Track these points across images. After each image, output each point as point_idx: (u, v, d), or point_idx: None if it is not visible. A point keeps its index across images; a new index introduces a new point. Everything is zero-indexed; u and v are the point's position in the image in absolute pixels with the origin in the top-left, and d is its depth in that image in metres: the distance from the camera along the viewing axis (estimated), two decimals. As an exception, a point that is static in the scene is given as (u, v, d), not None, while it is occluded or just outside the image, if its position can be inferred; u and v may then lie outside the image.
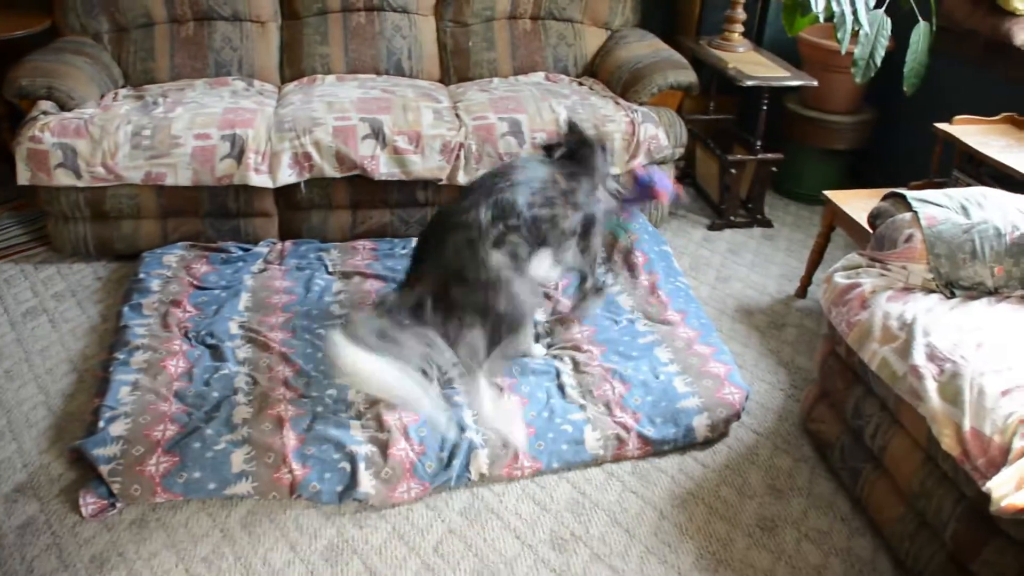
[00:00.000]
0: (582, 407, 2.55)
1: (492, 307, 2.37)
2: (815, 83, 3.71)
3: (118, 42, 3.85)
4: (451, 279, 2.36)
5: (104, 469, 2.27)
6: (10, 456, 2.47)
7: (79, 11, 3.79)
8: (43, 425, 2.59)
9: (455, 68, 4.04)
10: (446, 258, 2.38)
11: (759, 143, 3.78)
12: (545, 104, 3.52)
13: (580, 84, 3.90)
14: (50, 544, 2.18)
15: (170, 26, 3.86)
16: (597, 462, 2.48)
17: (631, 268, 3.26)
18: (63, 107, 3.34)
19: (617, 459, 2.50)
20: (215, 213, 3.39)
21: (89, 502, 2.26)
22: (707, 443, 2.59)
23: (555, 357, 2.77)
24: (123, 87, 3.76)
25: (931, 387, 1.95)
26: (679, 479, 2.47)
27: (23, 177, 3.22)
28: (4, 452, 2.48)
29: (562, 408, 2.54)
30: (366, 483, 2.28)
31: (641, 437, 2.49)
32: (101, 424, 2.42)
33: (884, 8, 3.28)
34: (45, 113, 3.28)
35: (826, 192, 3.22)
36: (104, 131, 3.21)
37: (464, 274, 2.35)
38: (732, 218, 3.90)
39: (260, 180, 3.26)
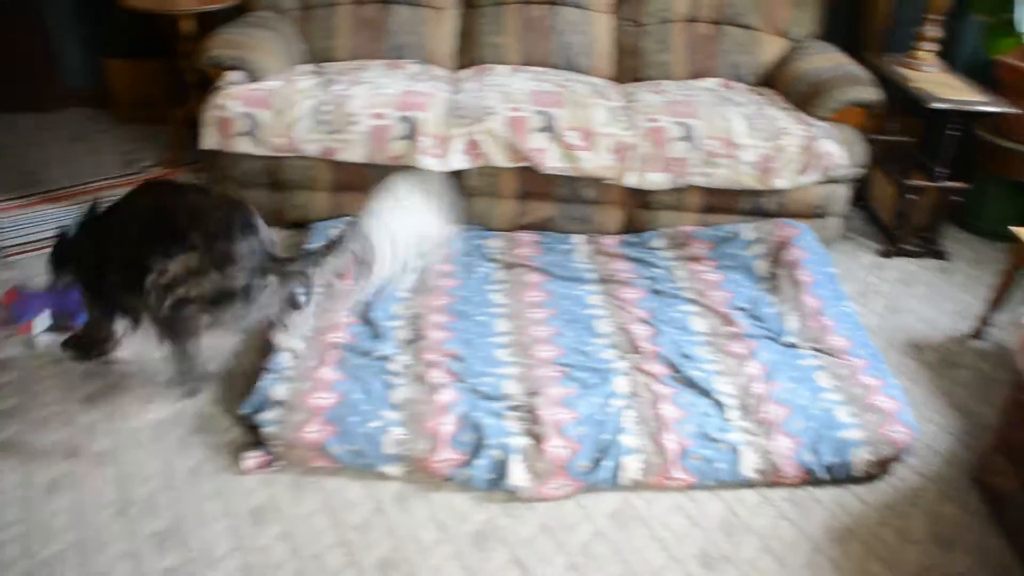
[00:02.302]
0: (741, 427, 2.47)
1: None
2: (1018, 111, 3.49)
3: (303, 19, 3.96)
4: None
5: (266, 431, 2.34)
6: (184, 404, 2.56)
7: (271, -12, 3.93)
8: (214, 377, 2.69)
9: (628, 67, 3.98)
10: None
11: (942, 170, 3.58)
12: (719, 111, 3.43)
13: (757, 93, 3.79)
14: (216, 490, 2.27)
15: (353, 6, 3.95)
16: (752, 484, 2.39)
17: (795, 285, 3.14)
18: (250, 78, 3.46)
19: (772, 484, 2.40)
20: (384, 192, 3.44)
21: (251, 457, 2.34)
22: (867, 479, 2.47)
23: (716, 373, 2.69)
24: (305, 63, 3.87)
25: None
26: (836, 513, 2.35)
27: (209, 142, 3.35)
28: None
29: (720, 426, 2.46)
30: (518, 475, 2.27)
31: (799, 464, 2.38)
32: (265, 385, 2.49)
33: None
34: (233, 83, 3.40)
35: (1014, 228, 3.02)
36: (287, 104, 3.30)
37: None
38: (905, 246, 3.72)
39: (430, 163, 3.30)
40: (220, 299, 2.34)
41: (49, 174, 4.08)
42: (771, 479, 2.38)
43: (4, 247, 3.37)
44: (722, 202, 3.48)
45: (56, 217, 3.59)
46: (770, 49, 3.97)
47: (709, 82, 3.88)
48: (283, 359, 2.60)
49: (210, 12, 4.00)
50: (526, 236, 3.46)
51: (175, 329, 2.39)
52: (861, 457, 2.41)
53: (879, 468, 2.45)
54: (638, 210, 3.51)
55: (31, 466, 2.33)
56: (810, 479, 2.41)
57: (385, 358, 2.65)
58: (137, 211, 2.46)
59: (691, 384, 2.63)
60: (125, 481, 2.29)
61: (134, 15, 4.06)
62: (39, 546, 2.09)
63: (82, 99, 4.90)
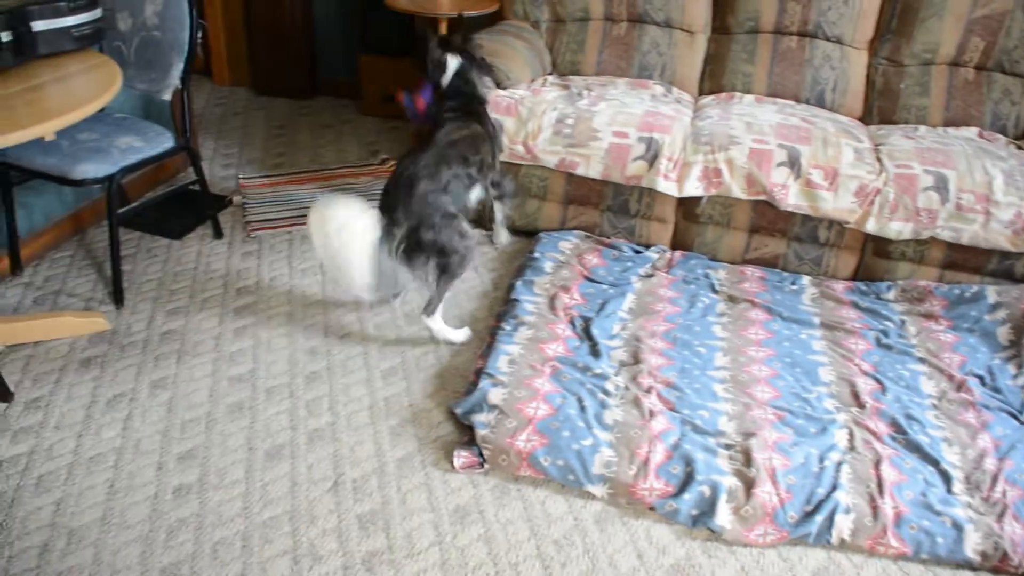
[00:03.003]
0: (966, 503, 2.32)
1: (449, 245, 2.74)
2: None
3: (553, 32, 4.07)
4: (422, 224, 2.70)
5: (480, 434, 2.41)
6: (399, 393, 2.70)
7: (526, 0, 4.05)
8: (430, 372, 2.80)
9: (879, 108, 3.83)
10: (416, 206, 2.70)
11: None
12: (978, 163, 3.23)
13: (1019, 148, 3.55)
14: (422, 483, 2.36)
15: (604, 23, 4.01)
16: (972, 567, 2.24)
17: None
18: (498, 85, 3.58)
19: (995, 570, 2.23)
20: (615, 209, 3.48)
21: (462, 456, 2.42)
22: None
23: (943, 440, 2.54)
24: (551, 74, 3.97)
25: None
26: (1065, 612, 2.17)
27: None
28: (395, 388, 2.72)
29: (943, 498, 2.32)
30: (723, 515, 2.23)
31: (1032, 554, 2.22)
32: (481, 387, 2.57)
33: None
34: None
35: None
36: (531, 113, 3.40)
37: (431, 219, 2.71)
38: None
39: (667, 187, 3.30)
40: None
41: (296, 157, 4.40)
42: (994, 564, 2.22)
43: (249, 221, 3.65)
44: (967, 259, 3.27)
45: (298, 199, 3.86)
46: (1042, 101, 3.71)
47: (966, 131, 3.67)
48: (501, 363, 2.68)
49: (467, 18, 4.16)
50: (752, 271, 3.39)
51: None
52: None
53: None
54: (874, 258, 3.36)
55: (255, 429, 2.52)
56: (1042, 571, 2.24)
57: (602, 376, 2.67)
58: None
59: (915, 448, 2.49)
60: (340, 461, 2.42)
61: (391, 15, 4.32)
62: (258, 508, 2.24)
63: (335, 90, 5.26)
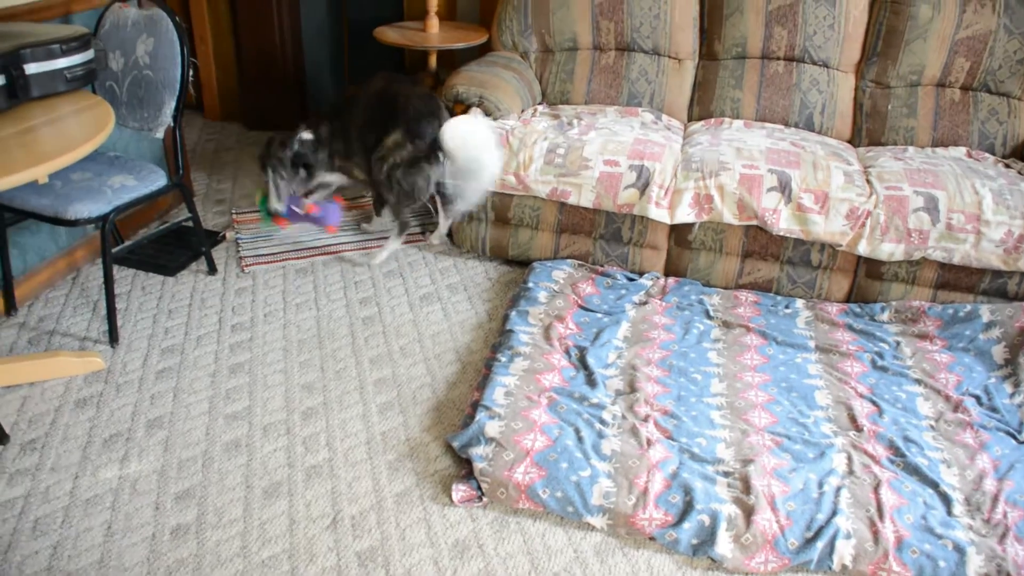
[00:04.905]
0: (967, 525, 2.32)
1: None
2: None
3: (542, 62, 4.10)
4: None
5: (477, 467, 2.40)
6: (396, 427, 2.69)
7: (514, 31, 4.09)
8: (427, 405, 2.80)
9: (867, 130, 3.86)
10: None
11: None
12: (967, 183, 3.26)
13: (1007, 166, 3.58)
14: (421, 518, 2.35)
15: (592, 52, 4.05)
16: (975, 588, 2.24)
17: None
18: (488, 115, 3.61)
19: (998, 591, 2.24)
20: (608, 237, 3.49)
21: (460, 489, 2.41)
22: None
23: (941, 462, 2.54)
24: (540, 104, 3.99)
25: None
26: (1069, 633, 2.17)
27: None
28: (392, 422, 2.71)
29: (944, 520, 2.32)
30: (723, 544, 2.22)
31: (1034, 575, 2.22)
32: (477, 420, 2.56)
33: None
34: (474, 119, 3.56)
35: None
36: (522, 144, 3.42)
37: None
38: None
39: (659, 214, 3.31)
40: (414, 163, 3.38)
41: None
42: (997, 587, 2.23)
43: (243, 257, 3.65)
44: (959, 279, 3.29)
45: (287, 234, 3.86)
46: (1029, 120, 3.74)
47: (954, 151, 3.70)
48: (498, 395, 2.68)
49: (456, 50, 4.21)
50: (746, 295, 3.40)
51: (391, 188, 3.47)
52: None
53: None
54: (866, 279, 3.37)
55: (252, 467, 2.51)
56: (1045, 593, 2.23)
57: (599, 406, 2.67)
58: (368, 99, 3.52)
59: (914, 471, 2.49)
60: (338, 497, 2.41)
61: (380, 48, 4.36)
62: (257, 547, 2.23)
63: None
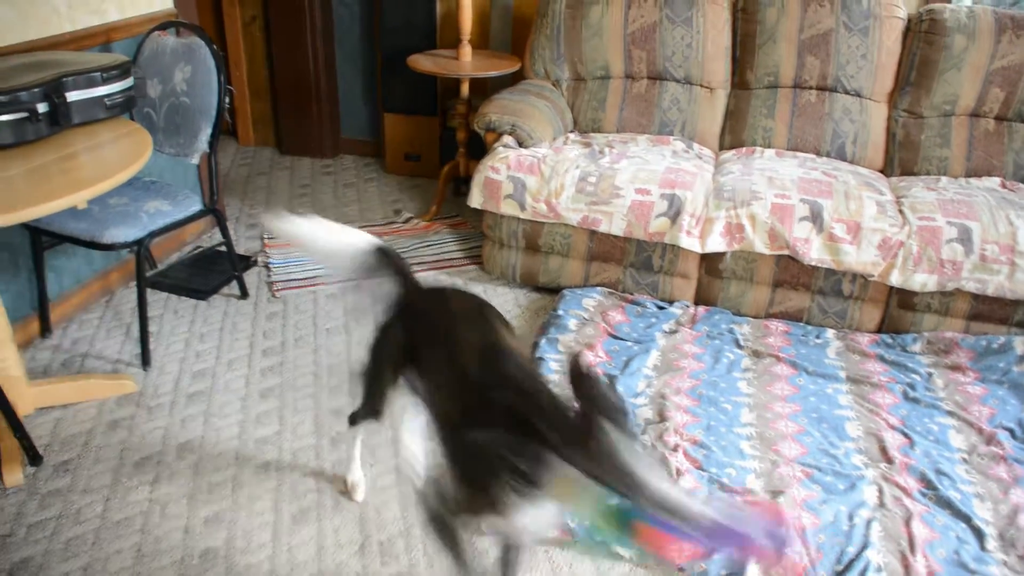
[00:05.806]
0: (1001, 561, 2.28)
1: None
2: None
3: (574, 90, 4.13)
4: None
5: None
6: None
7: (546, 59, 4.12)
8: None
9: (900, 160, 3.84)
10: None
11: None
12: (1002, 214, 3.22)
13: (1042, 198, 3.54)
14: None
15: (624, 81, 4.07)
16: (1009, 626, 2.21)
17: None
18: (521, 143, 3.63)
19: (1034, 630, 2.20)
20: (638, 266, 3.49)
21: (488, 518, 2.40)
22: None
23: (974, 496, 2.50)
24: (572, 132, 4.01)
25: None
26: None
27: (476, 201, 3.53)
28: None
29: (977, 555, 2.29)
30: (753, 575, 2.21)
31: (1069, 613, 2.17)
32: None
33: None
34: (505, 147, 3.58)
35: None
36: (554, 172, 3.43)
37: None
38: None
39: (689, 243, 3.31)
40: None
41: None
42: (1033, 625, 2.19)
43: (274, 281, 3.69)
44: (993, 311, 3.25)
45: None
46: (1064, 151, 3.71)
47: (988, 181, 3.67)
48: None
49: (489, 78, 4.25)
50: (777, 325, 3.38)
51: None
52: None
53: None
54: (898, 310, 3.34)
55: (282, 491, 2.52)
56: (1080, 633, 2.19)
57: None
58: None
59: (946, 504, 2.46)
60: (366, 523, 2.42)
61: (413, 76, 4.41)
62: (285, 572, 2.24)
63: (358, 149, 5.34)
